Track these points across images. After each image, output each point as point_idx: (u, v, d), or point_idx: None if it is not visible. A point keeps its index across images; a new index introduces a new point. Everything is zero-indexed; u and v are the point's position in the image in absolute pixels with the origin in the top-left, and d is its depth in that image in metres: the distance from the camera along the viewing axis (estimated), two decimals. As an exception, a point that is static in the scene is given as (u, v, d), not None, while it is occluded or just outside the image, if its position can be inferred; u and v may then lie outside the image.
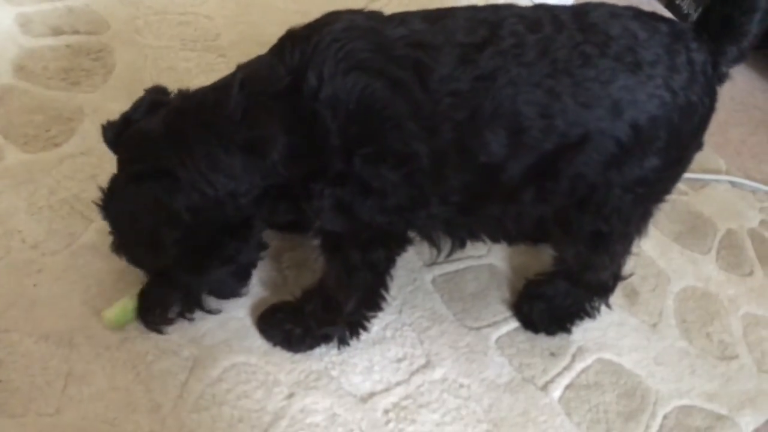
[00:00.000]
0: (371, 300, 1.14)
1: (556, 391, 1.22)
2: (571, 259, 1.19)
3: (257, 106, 0.94)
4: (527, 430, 1.16)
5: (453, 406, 1.16)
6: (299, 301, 1.16)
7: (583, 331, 1.31)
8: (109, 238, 1.04)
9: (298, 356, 1.16)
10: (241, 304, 1.18)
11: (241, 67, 0.99)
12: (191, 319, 1.12)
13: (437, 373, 1.19)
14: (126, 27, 1.64)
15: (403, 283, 1.30)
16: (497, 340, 1.27)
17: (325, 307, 1.13)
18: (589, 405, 1.22)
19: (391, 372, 1.18)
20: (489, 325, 1.29)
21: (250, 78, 0.96)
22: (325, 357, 1.17)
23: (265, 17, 1.77)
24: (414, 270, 1.33)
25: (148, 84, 1.49)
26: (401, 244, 1.09)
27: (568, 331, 1.29)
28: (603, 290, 1.25)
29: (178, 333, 1.13)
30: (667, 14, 1.89)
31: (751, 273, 1.54)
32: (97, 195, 1.03)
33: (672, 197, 1.59)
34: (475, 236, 1.13)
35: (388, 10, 1.00)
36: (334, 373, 1.15)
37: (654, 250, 1.51)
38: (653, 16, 0.99)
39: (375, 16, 0.98)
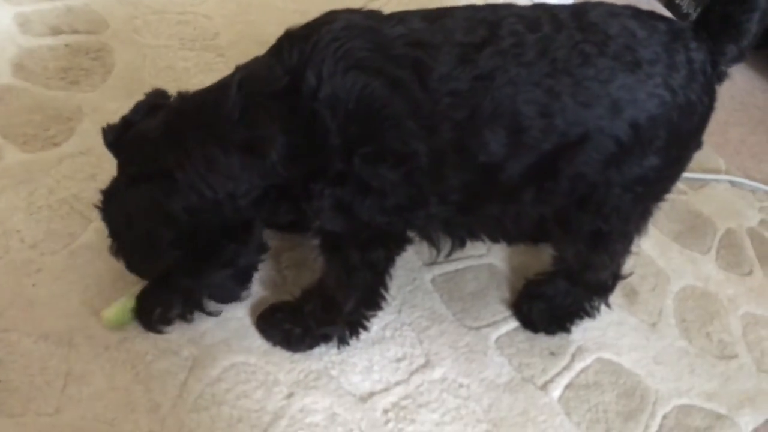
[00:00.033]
0: (371, 300, 1.13)
1: (556, 391, 1.22)
2: (571, 258, 1.19)
3: (255, 106, 0.94)
4: (527, 429, 1.16)
5: (452, 405, 1.16)
6: (298, 300, 1.16)
7: (583, 331, 1.31)
8: (109, 239, 1.04)
9: (298, 356, 1.16)
10: (240, 303, 1.18)
11: (239, 68, 0.99)
12: (190, 321, 1.12)
13: (437, 373, 1.19)
14: (125, 26, 1.64)
15: (402, 283, 1.30)
16: (497, 340, 1.27)
17: (325, 306, 1.13)
18: (589, 404, 1.22)
19: (390, 372, 1.18)
20: (488, 325, 1.29)
21: (248, 78, 0.96)
22: (324, 357, 1.17)
23: (264, 17, 1.76)
24: (413, 269, 1.33)
25: (147, 83, 1.51)
26: (401, 243, 1.08)
27: (567, 330, 1.29)
28: (602, 290, 1.25)
29: (178, 333, 1.13)
30: (667, 13, 1.89)
31: (750, 272, 1.54)
32: (96, 194, 1.03)
33: (671, 196, 1.59)
34: (474, 236, 1.13)
35: (387, 9, 1.00)
36: (333, 372, 1.15)
37: (653, 250, 1.51)
38: (652, 15, 0.99)
39: (373, 15, 0.98)
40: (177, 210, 0.96)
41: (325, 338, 1.16)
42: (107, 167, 1.05)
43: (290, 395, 1.11)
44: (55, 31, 1.58)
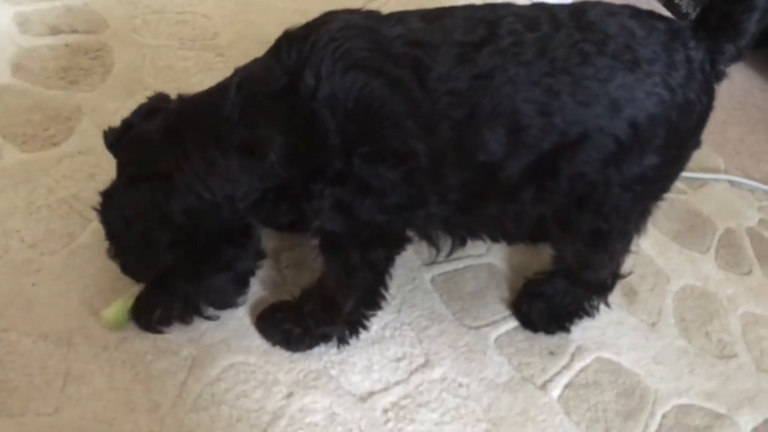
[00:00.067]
0: (370, 299, 1.13)
1: (555, 390, 1.22)
2: (570, 257, 1.19)
3: (254, 107, 0.94)
4: (526, 429, 1.16)
5: (452, 405, 1.16)
6: (298, 300, 1.16)
7: (582, 330, 1.31)
8: (107, 241, 1.04)
9: (297, 355, 1.16)
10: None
11: (238, 70, 0.99)
12: (189, 323, 1.12)
13: (436, 373, 1.19)
14: (124, 26, 1.63)
15: (402, 282, 1.30)
16: (496, 340, 1.27)
17: (324, 306, 1.13)
18: (588, 404, 1.22)
19: (390, 371, 1.18)
20: (488, 325, 1.29)
21: (247, 80, 0.96)
22: (324, 356, 1.17)
23: (264, 16, 1.76)
24: (413, 269, 1.33)
25: (147, 83, 1.51)
26: (400, 243, 1.08)
27: (567, 330, 1.29)
28: (602, 289, 1.25)
29: (177, 333, 1.13)
30: (666, 13, 1.89)
31: (749, 272, 1.54)
32: (96, 194, 1.03)
33: (671, 196, 1.60)
34: (474, 235, 1.13)
35: (386, 9, 1.00)
36: (333, 372, 1.15)
37: (653, 249, 1.51)
38: (651, 15, 0.99)
39: (372, 15, 0.98)
40: (175, 212, 0.96)
41: (325, 338, 1.16)
42: (106, 167, 1.05)
43: (290, 395, 1.11)
44: (55, 31, 1.58)
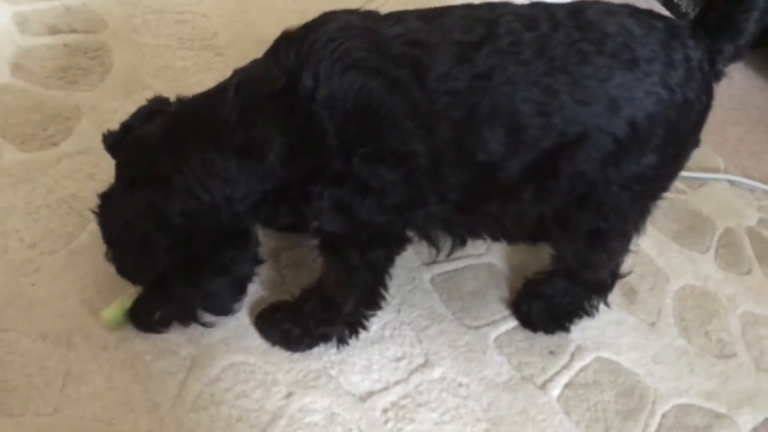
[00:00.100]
0: (370, 299, 1.13)
1: (555, 390, 1.22)
2: (570, 257, 1.19)
3: (253, 109, 0.94)
4: (526, 428, 1.16)
5: (452, 405, 1.16)
6: (298, 300, 1.16)
7: (582, 330, 1.31)
8: (104, 246, 1.04)
9: (297, 355, 1.16)
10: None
11: (236, 71, 0.99)
12: (187, 325, 1.12)
13: (436, 372, 1.19)
14: (123, 26, 1.63)
15: (401, 282, 1.30)
16: (496, 339, 1.27)
17: (324, 306, 1.13)
18: (588, 404, 1.22)
19: (389, 371, 1.18)
20: (488, 324, 1.28)
21: (245, 81, 0.96)
22: (323, 356, 1.17)
23: (263, 16, 1.76)
24: (413, 269, 1.33)
25: (146, 83, 1.51)
26: (400, 243, 1.08)
27: (566, 329, 1.29)
28: (602, 288, 1.25)
29: (176, 332, 1.13)
30: (665, 12, 1.89)
31: (749, 271, 1.54)
32: (95, 194, 1.03)
33: (670, 196, 1.60)
34: (474, 235, 1.13)
35: (385, 9, 0.99)
36: (332, 372, 1.15)
37: (652, 249, 1.51)
38: (649, 14, 0.99)
39: (371, 15, 0.98)
40: (174, 214, 0.96)
41: (325, 338, 1.16)
42: (105, 167, 1.05)
43: (289, 395, 1.11)
44: (54, 31, 1.58)
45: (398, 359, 1.20)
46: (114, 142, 1.04)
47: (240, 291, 1.10)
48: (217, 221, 0.99)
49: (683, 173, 1.63)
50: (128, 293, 1.10)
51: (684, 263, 1.51)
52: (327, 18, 0.96)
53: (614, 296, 1.32)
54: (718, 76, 1.02)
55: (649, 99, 0.94)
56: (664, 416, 1.24)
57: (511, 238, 1.34)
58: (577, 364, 1.27)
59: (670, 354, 1.33)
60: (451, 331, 1.26)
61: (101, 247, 1.04)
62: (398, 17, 0.95)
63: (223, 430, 1.05)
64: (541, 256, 1.34)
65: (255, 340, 1.16)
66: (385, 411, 1.13)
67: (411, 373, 1.18)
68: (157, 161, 0.97)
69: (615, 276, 1.24)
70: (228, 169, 0.96)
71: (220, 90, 0.98)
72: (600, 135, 0.94)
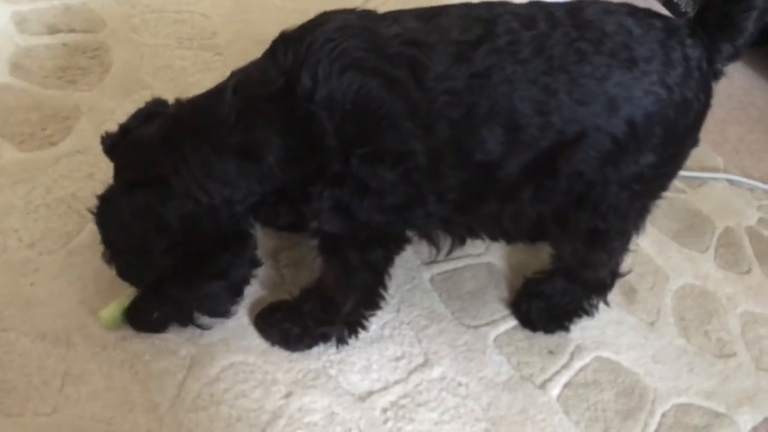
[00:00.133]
0: (370, 299, 1.13)
1: (555, 390, 1.22)
2: (569, 256, 1.19)
3: (251, 110, 0.94)
4: (525, 428, 1.16)
5: (451, 404, 1.16)
6: (297, 300, 1.16)
7: (582, 330, 1.31)
8: (102, 247, 1.04)
9: (296, 355, 1.16)
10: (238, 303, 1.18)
11: (234, 73, 0.99)
12: (185, 326, 1.12)
13: (435, 372, 1.19)
14: (122, 25, 1.63)
15: (401, 282, 1.30)
16: (495, 339, 1.27)
17: (324, 306, 1.13)
18: (588, 403, 1.22)
19: (389, 371, 1.18)
20: (487, 324, 1.28)
21: (243, 82, 0.96)
22: (323, 356, 1.17)
23: (262, 15, 1.76)
24: (412, 269, 1.33)
25: (145, 82, 1.51)
26: (400, 243, 1.08)
27: (566, 329, 1.29)
28: (601, 288, 1.25)
29: (176, 332, 1.13)
30: (664, 12, 1.89)
31: (749, 271, 1.54)
32: (94, 193, 1.03)
33: (670, 195, 1.60)
34: (473, 234, 1.13)
35: (384, 9, 0.99)
36: (332, 372, 1.15)
37: (652, 248, 1.51)
38: (648, 13, 0.99)
39: (368, 15, 0.98)
40: (172, 217, 0.96)
41: (324, 338, 1.16)
42: (104, 166, 1.05)
43: (289, 394, 1.11)
44: (53, 30, 1.57)
45: (398, 359, 1.19)
46: (112, 145, 1.04)
47: (236, 294, 1.11)
48: (216, 223, 0.99)
49: (683, 173, 1.64)
50: (127, 293, 1.10)
51: (683, 262, 1.51)
52: (324, 18, 0.96)
53: (614, 296, 1.32)
54: (716, 75, 1.01)
55: (647, 98, 0.94)
56: (663, 416, 1.24)
57: (509, 238, 1.33)
58: (577, 364, 1.27)
59: (670, 353, 1.33)
60: (451, 331, 1.25)
61: (100, 247, 1.04)
62: (395, 17, 0.95)
63: (222, 430, 1.05)
64: (541, 256, 1.34)
65: (254, 339, 1.16)
66: (384, 410, 1.13)
67: (410, 372, 1.18)
68: (155, 164, 0.97)
69: (614, 275, 1.24)
70: (227, 170, 0.96)
71: (218, 91, 0.98)
72: (598, 134, 0.94)
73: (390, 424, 1.11)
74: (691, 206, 1.64)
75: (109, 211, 1.01)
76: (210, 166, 0.96)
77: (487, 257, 1.39)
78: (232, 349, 1.14)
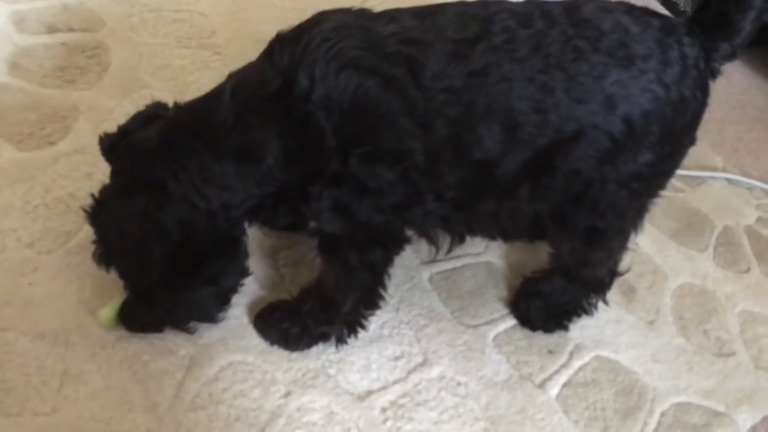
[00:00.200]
0: (369, 299, 1.13)
1: (554, 389, 1.22)
2: (568, 255, 1.19)
3: (248, 112, 0.94)
4: (525, 427, 1.16)
5: (450, 404, 1.16)
6: (296, 300, 1.16)
7: (581, 329, 1.31)
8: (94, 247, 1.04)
9: (295, 354, 1.16)
10: (237, 302, 1.17)
11: (231, 75, 0.99)
12: (177, 329, 1.12)
13: (435, 371, 1.19)
14: (121, 24, 1.63)
15: (400, 281, 1.30)
16: (495, 338, 1.27)
17: (323, 306, 1.13)
18: (587, 402, 1.22)
19: (388, 370, 1.18)
20: (486, 323, 1.28)
21: (240, 84, 0.96)
22: (322, 355, 1.16)
23: (261, 14, 1.76)
24: (411, 268, 1.33)
25: (144, 82, 1.51)
26: (399, 243, 1.08)
27: (565, 328, 1.29)
28: (600, 286, 1.25)
29: (174, 332, 1.13)
30: (663, 11, 1.89)
31: (748, 270, 1.54)
32: (94, 193, 1.03)
33: (669, 194, 1.60)
34: (472, 232, 1.13)
35: (381, 8, 0.99)
36: (331, 371, 1.15)
37: (651, 248, 1.51)
38: (645, 11, 0.99)
39: (364, 14, 0.97)
40: (170, 223, 0.96)
41: (324, 337, 1.16)
42: (103, 166, 1.04)
43: (288, 394, 1.11)
44: (51, 30, 1.57)
45: (397, 358, 1.19)
46: (110, 146, 1.04)
47: (224, 302, 1.11)
48: (212, 228, 0.99)
49: (681, 171, 1.64)
50: (126, 293, 1.10)
51: (682, 261, 1.51)
52: (320, 18, 0.96)
53: (613, 295, 1.32)
54: (713, 74, 1.02)
55: (644, 96, 0.94)
56: (662, 415, 1.24)
57: (507, 236, 1.33)
58: (576, 363, 1.27)
59: (669, 352, 1.33)
60: (450, 330, 1.25)
61: (92, 247, 1.04)
62: (392, 15, 0.95)
63: (221, 430, 1.05)
64: (540, 255, 1.34)
65: (253, 339, 1.16)
66: (383, 410, 1.13)
67: (410, 372, 1.18)
68: (153, 168, 0.97)
69: (613, 274, 1.24)
70: (225, 174, 0.95)
71: (215, 94, 0.97)
72: (596, 132, 0.94)
73: (389, 423, 1.11)
74: (689, 205, 1.64)
75: (105, 214, 1.01)
76: (208, 170, 0.95)
77: (486, 256, 1.39)
78: (231, 349, 1.14)
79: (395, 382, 1.16)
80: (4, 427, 0.99)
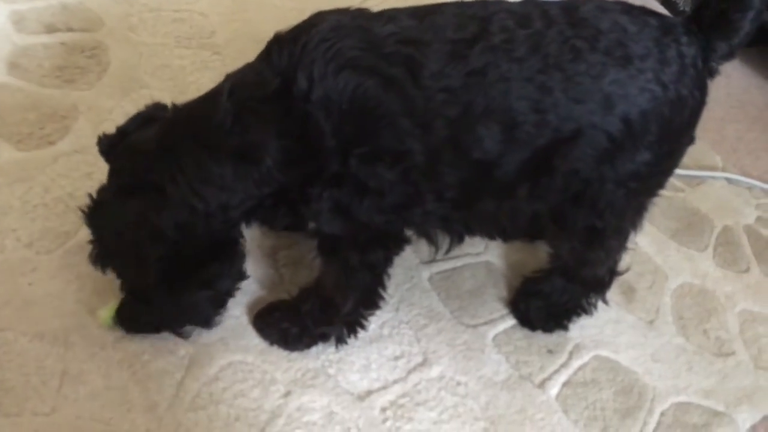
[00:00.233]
0: (369, 300, 1.13)
1: (554, 389, 1.22)
2: (567, 255, 1.19)
3: (247, 112, 0.94)
4: (524, 427, 1.16)
5: (450, 403, 1.16)
6: (296, 300, 1.16)
7: (580, 329, 1.31)
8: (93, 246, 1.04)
9: (295, 354, 1.16)
10: (237, 302, 1.17)
11: (229, 76, 0.99)
12: (172, 332, 1.12)
13: (434, 371, 1.19)
14: (120, 24, 1.63)
15: (400, 281, 1.30)
16: (494, 338, 1.27)
17: (322, 306, 1.13)
18: (587, 402, 1.22)
19: (388, 370, 1.18)
20: (486, 323, 1.28)
21: (238, 85, 0.96)
22: (321, 355, 1.16)
23: (261, 14, 1.76)
24: (411, 268, 1.33)
25: (143, 81, 1.51)
26: (399, 244, 1.08)
27: (565, 328, 1.29)
28: (599, 286, 1.25)
29: (173, 332, 1.13)
30: (662, 10, 1.89)
31: (747, 270, 1.54)
32: (91, 193, 1.02)
33: (668, 194, 1.60)
34: (471, 232, 1.13)
35: (380, 8, 0.99)
36: (331, 371, 1.15)
37: (651, 247, 1.51)
38: (643, 10, 0.99)
39: (362, 14, 0.97)
40: (165, 226, 0.96)
41: (323, 337, 1.16)
42: (102, 165, 1.04)
43: (287, 394, 1.11)
44: (51, 29, 1.57)
45: (397, 358, 1.19)
46: (109, 146, 1.04)
47: (220, 305, 1.10)
48: (209, 229, 0.99)
49: (681, 171, 1.64)
50: (126, 293, 1.10)
51: (682, 261, 1.51)
52: (318, 18, 0.96)
53: (612, 294, 1.32)
54: (711, 73, 1.02)
55: (642, 96, 0.94)
56: (662, 414, 1.24)
57: (506, 236, 1.34)
58: (576, 363, 1.26)
59: (669, 352, 1.33)
60: (450, 330, 1.25)
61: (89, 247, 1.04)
62: (390, 15, 0.95)
63: (221, 430, 1.05)
64: (539, 255, 1.34)
65: (253, 339, 1.16)
66: (383, 410, 1.13)
67: (409, 371, 1.18)
68: (151, 169, 0.97)
69: (613, 273, 1.24)
70: (224, 175, 0.95)
71: (213, 95, 0.97)
72: (594, 132, 0.94)
73: (389, 423, 1.11)
74: (689, 205, 1.64)
75: (102, 215, 1.01)
76: (206, 171, 0.95)
77: (486, 256, 1.39)
78: (231, 349, 1.14)
79: (395, 381, 1.16)
80: (3, 427, 0.99)
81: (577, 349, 1.29)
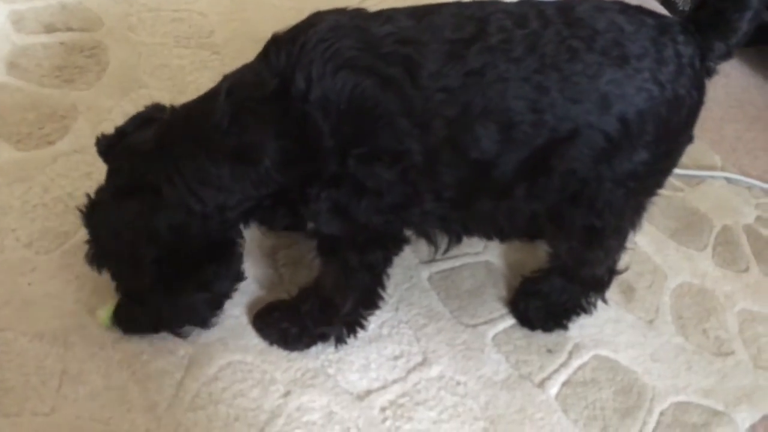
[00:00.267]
0: (369, 300, 1.13)
1: (553, 388, 1.22)
2: (566, 254, 1.19)
3: (245, 113, 0.94)
4: (524, 427, 1.16)
5: (450, 403, 1.16)
6: (295, 300, 1.16)
7: (580, 328, 1.31)
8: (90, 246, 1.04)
9: (294, 354, 1.16)
10: (236, 302, 1.17)
11: (227, 76, 0.99)
12: (170, 332, 1.12)
13: (434, 371, 1.19)
14: (119, 24, 1.63)
15: (399, 281, 1.30)
16: (494, 337, 1.27)
17: (322, 306, 1.13)
18: (586, 402, 1.22)
19: (387, 370, 1.18)
20: (485, 323, 1.28)
21: (236, 85, 0.96)
22: (321, 355, 1.16)
23: (260, 14, 1.76)
24: (410, 267, 1.33)
25: (142, 81, 1.51)
26: (398, 244, 1.08)
27: (564, 327, 1.29)
28: (599, 285, 1.25)
29: (172, 332, 1.13)
30: (662, 10, 1.89)
31: (746, 269, 1.54)
32: (91, 193, 1.03)
33: (667, 193, 1.60)
34: (469, 231, 1.13)
35: (378, 8, 0.99)
36: (330, 371, 1.15)
37: (650, 247, 1.51)
38: (640, 10, 0.99)
39: (360, 14, 0.97)
40: (161, 227, 0.96)
41: (323, 337, 1.16)
42: (102, 165, 1.04)
43: (287, 394, 1.11)
44: (50, 29, 1.57)
45: (396, 358, 1.19)
46: (107, 146, 1.04)
47: (217, 307, 1.10)
48: (206, 231, 0.99)
49: (680, 171, 1.64)
50: (125, 293, 1.10)
51: (681, 261, 1.51)
52: (316, 18, 0.96)
53: (612, 294, 1.32)
54: (709, 73, 1.02)
55: (639, 95, 0.94)
56: (662, 414, 1.24)
57: (504, 236, 1.33)
58: (575, 362, 1.27)
59: (668, 352, 1.33)
60: (449, 330, 1.25)
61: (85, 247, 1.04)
62: (388, 16, 0.95)
63: (220, 430, 1.05)
64: (539, 254, 1.34)
65: (253, 339, 1.16)
66: (383, 409, 1.13)
67: (409, 371, 1.18)
68: (149, 170, 0.97)
69: (612, 273, 1.24)
70: (221, 176, 0.95)
71: (210, 96, 0.97)
72: (591, 132, 0.94)
73: (389, 423, 1.11)
74: (688, 204, 1.64)
75: (99, 216, 1.01)
76: (204, 172, 0.95)
77: (485, 256, 1.39)
78: (230, 349, 1.14)
79: (394, 381, 1.16)
80: (3, 427, 0.99)
81: (577, 348, 1.29)
